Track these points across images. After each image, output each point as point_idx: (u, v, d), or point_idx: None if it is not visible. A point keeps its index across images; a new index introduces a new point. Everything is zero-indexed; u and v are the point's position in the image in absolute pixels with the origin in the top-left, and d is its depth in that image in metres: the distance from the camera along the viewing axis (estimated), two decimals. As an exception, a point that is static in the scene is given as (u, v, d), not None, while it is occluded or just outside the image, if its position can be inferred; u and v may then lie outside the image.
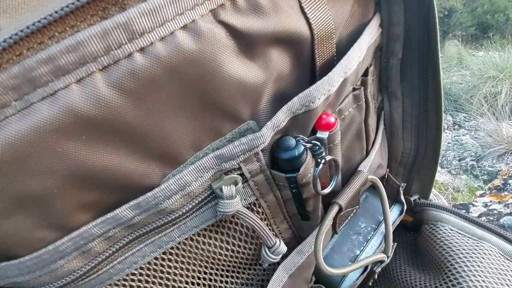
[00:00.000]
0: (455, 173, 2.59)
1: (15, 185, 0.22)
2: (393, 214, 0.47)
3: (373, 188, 0.48)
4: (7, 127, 0.20)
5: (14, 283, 0.27)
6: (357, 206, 0.44)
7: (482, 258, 0.42)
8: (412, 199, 0.54)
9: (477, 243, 0.44)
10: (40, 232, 0.24)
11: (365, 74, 0.36)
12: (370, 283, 0.47)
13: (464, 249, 0.44)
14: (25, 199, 0.22)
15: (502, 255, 0.43)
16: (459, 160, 2.73)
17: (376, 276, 0.44)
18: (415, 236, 0.56)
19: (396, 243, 0.45)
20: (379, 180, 0.41)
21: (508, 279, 0.41)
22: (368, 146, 0.42)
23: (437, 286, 0.43)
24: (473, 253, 0.43)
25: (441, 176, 2.52)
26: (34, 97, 0.20)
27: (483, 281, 0.40)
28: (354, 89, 0.35)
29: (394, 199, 0.48)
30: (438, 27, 0.36)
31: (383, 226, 0.44)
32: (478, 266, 0.42)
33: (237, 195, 0.29)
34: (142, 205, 0.26)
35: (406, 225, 0.59)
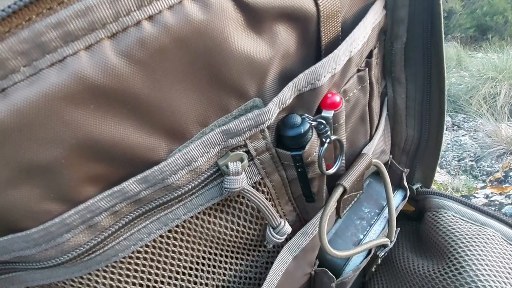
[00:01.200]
0: (454, 173, 2.59)
1: (23, 153, 0.22)
2: (396, 199, 0.47)
3: (376, 174, 0.48)
4: (16, 93, 0.20)
5: (19, 257, 0.27)
6: (361, 191, 0.44)
7: (485, 242, 0.42)
8: (414, 187, 0.54)
9: (480, 228, 0.45)
10: (47, 204, 0.24)
11: (370, 56, 0.36)
12: (373, 269, 0.47)
13: (467, 234, 0.44)
14: (33, 168, 0.22)
15: (505, 240, 0.43)
16: (458, 161, 2.73)
17: (379, 261, 0.44)
18: (417, 225, 0.57)
19: (399, 228, 0.45)
20: (382, 164, 0.41)
21: (511, 263, 0.41)
22: (372, 130, 0.42)
23: (440, 271, 0.43)
24: (476, 238, 0.43)
25: (440, 176, 2.52)
26: (43, 63, 0.20)
27: (486, 264, 0.40)
28: (358, 70, 0.35)
29: (397, 185, 0.48)
30: (442, 11, 0.36)
31: (386, 211, 0.44)
32: (481, 250, 0.42)
33: (243, 172, 0.29)
34: (149, 179, 0.26)
35: (408, 215, 0.59)
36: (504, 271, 0.40)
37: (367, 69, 0.35)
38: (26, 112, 0.20)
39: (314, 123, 0.30)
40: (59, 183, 0.24)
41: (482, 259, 0.41)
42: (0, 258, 0.26)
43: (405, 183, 0.47)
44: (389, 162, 0.48)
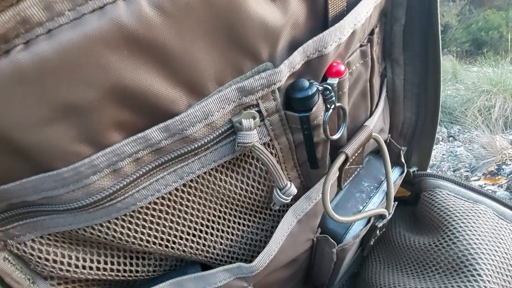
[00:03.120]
0: (449, 184, 2.61)
1: (62, 92, 0.24)
2: (394, 174, 0.49)
3: (375, 153, 0.51)
4: (61, 34, 0.22)
5: (47, 198, 0.29)
6: (361, 165, 0.46)
7: (478, 216, 0.45)
8: (411, 170, 0.57)
9: (473, 204, 0.47)
10: (77, 146, 0.27)
11: (371, 33, 0.39)
12: (372, 242, 0.49)
13: (460, 209, 0.46)
14: (69, 108, 0.25)
15: (496, 215, 0.46)
16: (454, 171, 2.76)
17: (377, 233, 0.46)
18: (413, 209, 0.59)
19: (396, 202, 0.47)
20: (381, 138, 0.43)
21: (503, 234, 0.43)
22: (372, 107, 0.45)
23: (434, 242, 0.46)
24: (469, 212, 0.46)
25: (436, 186, 2.54)
26: (86, 9, 0.22)
27: (479, 235, 0.42)
28: (361, 46, 0.38)
29: (395, 162, 0.50)
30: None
31: (384, 185, 0.46)
32: (474, 223, 0.44)
33: (255, 130, 0.31)
34: (170, 128, 0.28)
35: (405, 200, 0.62)
36: (495, 240, 0.42)
37: (369, 44, 0.38)
38: (69, 52, 0.23)
39: (320, 87, 0.33)
40: (90, 126, 0.26)
41: (475, 230, 0.43)
42: (29, 198, 0.28)
43: (403, 160, 0.50)
44: (388, 141, 0.51)
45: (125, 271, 0.37)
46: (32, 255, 0.33)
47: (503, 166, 1.38)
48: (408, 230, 0.54)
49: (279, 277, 0.44)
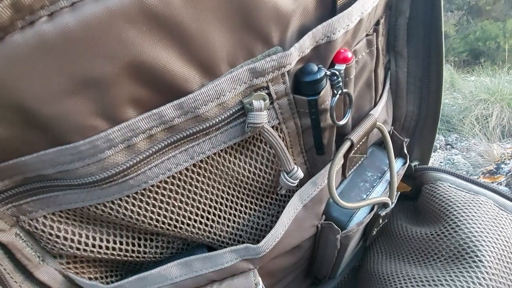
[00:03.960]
0: (447, 191, 2.62)
1: (83, 64, 0.25)
2: (397, 165, 0.50)
3: (378, 145, 0.52)
4: (84, 7, 0.23)
5: (62, 172, 0.29)
6: (365, 155, 0.47)
7: (479, 207, 0.46)
8: (412, 165, 0.58)
9: (474, 196, 0.48)
10: (94, 120, 0.27)
11: (377, 24, 0.40)
12: (374, 232, 0.50)
13: (462, 200, 0.47)
14: (88, 81, 0.25)
15: (497, 206, 0.47)
16: (451, 179, 2.77)
17: (381, 221, 0.47)
18: (414, 204, 0.60)
19: (399, 192, 0.48)
20: (385, 128, 0.44)
21: (503, 224, 0.44)
22: (377, 98, 0.46)
23: (436, 232, 0.46)
24: (470, 203, 0.47)
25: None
26: (108, -17, 0.23)
27: (480, 224, 0.43)
28: (367, 35, 0.39)
29: (398, 154, 0.51)
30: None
31: (387, 175, 0.47)
32: (475, 212, 0.45)
33: (265, 111, 0.32)
34: (183, 106, 0.29)
35: (406, 195, 0.62)
36: (496, 230, 0.43)
37: (375, 34, 0.39)
38: (91, 25, 0.24)
39: (328, 72, 0.34)
40: (107, 100, 0.27)
41: (476, 220, 0.44)
42: (44, 172, 0.29)
43: (405, 151, 0.51)
44: (391, 133, 0.52)
45: (133, 251, 0.38)
46: (43, 231, 0.33)
47: (502, 165, 1.40)
48: (409, 222, 0.55)
49: (282, 264, 0.45)
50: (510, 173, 1.28)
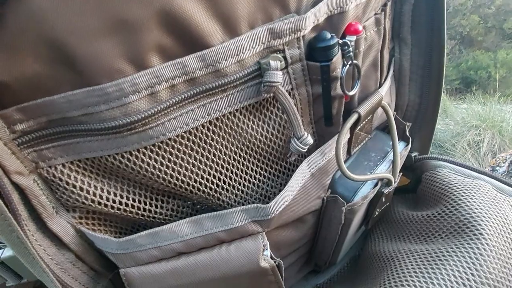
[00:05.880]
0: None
1: (118, 5, 0.26)
2: (400, 146, 0.52)
3: (382, 130, 0.54)
4: None
5: (87, 116, 0.30)
6: (369, 136, 0.49)
7: (478, 189, 0.47)
8: (412, 155, 0.60)
9: (473, 180, 0.50)
10: (122, 64, 0.29)
11: (384, 5, 0.43)
12: (376, 213, 0.51)
13: (461, 184, 0.49)
14: (121, 23, 0.27)
15: (495, 189, 0.48)
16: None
17: (383, 199, 0.48)
18: (413, 196, 0.61)
19: (401, 173, 0.49)
20: (388, 107, 0.46)
21: (501, 204, 0.45)
22: (382, 79, 0.48)
23: (438, 212, 0.48)
24: (469, 186, 0.48)
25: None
26: None
27: (480, 202, 0.45)
28: (376, 14, 0.42)
29: (400, 137, 0.53)
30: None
31: (390, 155, 0.49)
32: (475, 193, 0.46)
33: (281, 71, 0.34)
34: (205, 58, 0.31)
35: (405, 188, 0.64)
36: (495, 208, 0.44)
37: (383, 13, 0.42)
38: (129, -33, 0.26)
39: (340, 41, 0.36)
40: (136, 45, 0.29)
41: (476, 199, 0.45)
42: (69, 114, 0.30)
43: (408, 134, 0.53)
44: (394, 117, 0.54)
45: (144, 210, 0.39)
46: (60, 180, 0.34)
47: (497, 168, 1.43)
48: (409, 209, 0.56)
49: (287, 237, 0.45)
50: (505, 173, 1.31)
